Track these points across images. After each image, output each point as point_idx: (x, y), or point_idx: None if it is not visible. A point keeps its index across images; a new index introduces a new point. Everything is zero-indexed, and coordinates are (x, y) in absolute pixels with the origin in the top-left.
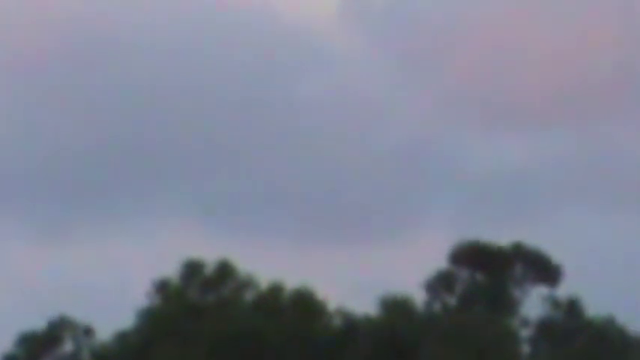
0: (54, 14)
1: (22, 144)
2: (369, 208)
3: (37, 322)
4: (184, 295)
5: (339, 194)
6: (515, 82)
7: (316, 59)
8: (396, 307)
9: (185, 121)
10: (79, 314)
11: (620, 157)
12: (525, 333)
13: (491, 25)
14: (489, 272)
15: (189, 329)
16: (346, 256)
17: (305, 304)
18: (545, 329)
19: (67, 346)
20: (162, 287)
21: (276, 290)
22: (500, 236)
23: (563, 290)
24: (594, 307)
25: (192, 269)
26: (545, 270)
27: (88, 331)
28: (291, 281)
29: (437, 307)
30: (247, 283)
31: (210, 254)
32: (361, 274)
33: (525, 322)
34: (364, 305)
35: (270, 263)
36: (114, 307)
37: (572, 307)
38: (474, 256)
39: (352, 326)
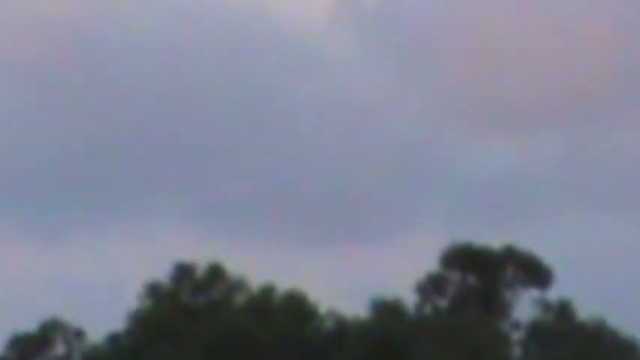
0: (45, 15)
1: (15, 145)
2: (360, 210)
3: (28, 324)
4: (176, 297)
5: (330, 196)
6: (507, 85)
7: (309, 61)
8: (387, 310)
9: (177, 124)
10: (71, 316)
11: (612, 160)
12: (516, 336)
13: (485, 26)
14: (481, 275)
15: (180, 331)
16: (337, 258)
17: (296, 306)
18: (537, 332)
19: (59, 349)
20: (154, 289)
21: (267, 292)
22: (492, 239)
23: (555, 293)
24: (586, 310)
25: (184, 271)
26: (536, 273)
27: (79, 333)
28: (283, 283)
29: (428, 309)
30: (238, 285)
31: (201, 256)
32: (352, 276)
33: (516, 325)
34: (355, 307)
35: (261, 265)
36: (105, 309)
37: (564, 310)
38: (466, 259)
39: (343, 328)
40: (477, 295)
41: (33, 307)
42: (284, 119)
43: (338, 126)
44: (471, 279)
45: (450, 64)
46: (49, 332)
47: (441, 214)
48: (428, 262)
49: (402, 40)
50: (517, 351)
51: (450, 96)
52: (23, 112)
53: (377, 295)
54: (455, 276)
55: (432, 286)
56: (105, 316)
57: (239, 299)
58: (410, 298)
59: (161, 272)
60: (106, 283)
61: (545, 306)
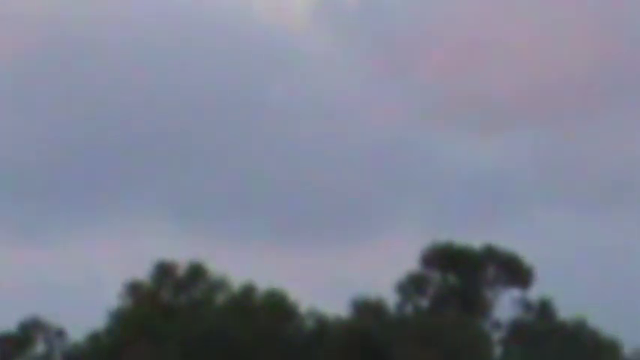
0: (33, 12)
1: None
2: (341, 209)
3: (9, 323)
4: (157, 296)
5: (311, 196)
6: (486, 84)
7: (291, 59)
8: (367, 309)
9: (159, 123)
10: (52, 315)
11: (593, 159)
12: (497, 335)
13: (466, 24)
14: (461, 274)
15: (161, 330)
16: (318, 257)
17: (277, 305)
18: (517, 331)
19: (40, 348)
20: (135, 288)
21: (248, 291)
22: (473, 238)
23: (535, 292)
24: (566, 310)
25: (165, 270)
26: (517, 272)
27: (60, 333)
28: (263, 282)
29: (409, 309)
30: (219, 285)
31: (182, 256)
32: (333, 276)
33: (497, 325)
34: (336, 307)
35: (242, 264)
36: (86, 308)
37: (544, 310)
38: (446, 258)
39: (324, 327)
40: (457, 294)
41: (14, 306)
42: (264, 119)
43: (318, 125)
44: (452, 279)
45: (428, 64)
46: (29, 331)
47: (421, 214)
48: (408, 262)
49: (381, 40)
50: (498, 350)
51: (429, 95)
52: (4, 109)
53: (358, 294)
54: (435, 276)
55: (412, 285)
56: (85, 316)
57: (220, 298)
58: (391, 298)
59: (142, 271)
60: (86, 283)
61: (526, 306)
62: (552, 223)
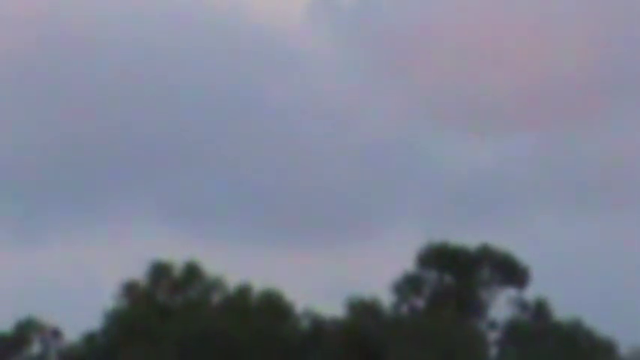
0: (26, 10)
1: None
2: (337, 210)
3: (4, 323)
4: (152, 296)
5: (307, 196)
6: (484, 85)
7: (286, 60)
8: (363, 309)
9: (155, 124)
10: (47, 316)
11: (588, 160)
12: (493, 335)
13: (461, 27)
14: (457, 274)
15: (157, 331)
16: (314, 257)
17: (273, 305)
18: (513, 331)
19: (35, 348)
20: (131, 289)
21: (244, 292)
22: (469, 238)
23: (531, 292)
24: (562, 310)
25: (160, 271)
26: (512, 272)
27: (55, 333)
28: (259, 283)
29: (404, 309)
30: (215, 285)
31: (178, 256)
32: (329, 276)
33: (493, 325)
34: (332, 307)
35: (237, 265)
36: (82, 308)
37: (540, 310)
38: (442, 258)
39: (320, 328)
40: (453, 294)
41: (9, 306)
42: (260, 120)
43: (314, 126)
44: (448, 279)
45: (426, 64)
46: (25, 332)
47: (417, 214)
48: (404, 262)
49: (378, 40)
50: (493, 351)
51: (426, 96)
52: (1, 111)
53: (353, 294)
54: (431, 276)
55: (408, 285)
56: (81, 316)
57: (216, 299)
58: (386, 298)
59: (137, 272)
60: (82, 283)
61: (522, 306)
62: (548, 223)
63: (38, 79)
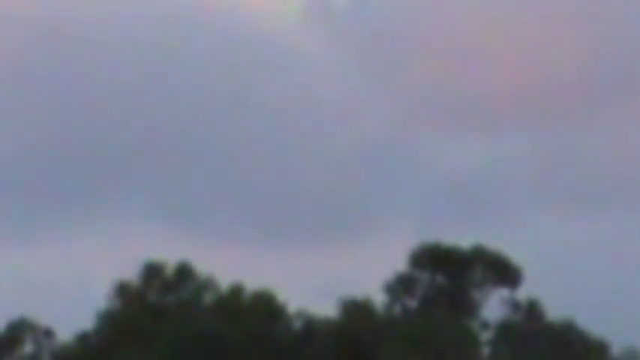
0: (16, 12)
1: None
2: (329, 210)
3: None
4: (145, 296)
5: (300, 196)
6: (477, 84)
7: (280, 61)
8: (356, 310)
9: (145, 124)
10: (40, 316)
11: (581, 160)
12: (485, 335)
13: (454, 27)
14: (449, 275)
15: (149, 331)
16: (307, 258)
17: (265, 305)
18: (506, 332)
19: (28, 348)
20: (123, 289)
21: (236, 292)
22: (461, 238)
23: (523, 293)
24: (554, 310)
25: (153, 271)
26: (505, 273)
27: (48, 333)
28: (252, 283)
29: (397, 309)
30: (207, 285)
31: (170, 256)
32: (321, 276)
33: (485, 325)
34: (324, 307)
35: (230, 265)
36: (74, 308)
37: (532, 310)
38: (435, 259)
39: (312, 328)
40: (445, 295)
41: (2, 306)
42: (253, 119)
43: (308, 125)
44: (440, 279)
45: (419, 64)
46: (18, 331)
47: (410, 215)
48: (397, 262)
49: (372, 40)
50: (486, 351)
51: (420, 95)
52: None
53: (346, 294)
54: (424, 276)
55: (401, 286)
56: (74, 316)
57: (208, 299)
58: (379, 298)
59: (130, 272)
60: (75, 283)
61: (514, 306)
62: (541, 224)
63: (32, 80)
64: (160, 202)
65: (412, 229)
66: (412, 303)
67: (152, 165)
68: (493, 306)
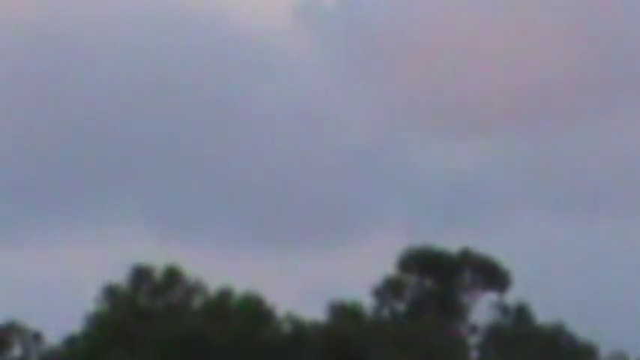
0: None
1: None
2: (317, 213)
3: None
4: (133, 300)
5: (288, 200)
6: (466, 87)
7: (268, 63)
8: (344, 313)
9: (134, 127)
10: (28, 319)
11: (569, 163)
12: (474, 339)
13: (443, 29)
14: (438, 278)
15: (138, 334)
16: (295, 261)
17: (254, 309)
18: (494, 335)
19: (16, 351)
20: (112, 292)
21: (224, 295)
22: (450, 242)
23: (512, 296)
24: (543, 314)
25: (141, 274)
26: (493, 276)
27: (36, 336)
28: (240, 286)
29: (385, 313)
30: (196, 289)
31: (158, 259)
32: (310, 280)
33: (474, 329)
34: (313, 311)
35: (218, 268)
36: (63, 311)
37: (521, 314)
38: (423, 263)
39: (301, 332)
40: (434, 298)
41: None
42: (242, 122)
43: (296, 128)
44: (429, 283)
45: (408, 66)
46: (6, 335)
47: (398, 218)
48: (385, 266)
49: (361, 42)
50: (474, 355)
51: (409, 98)
52: None
53: (334, 298)
54: (412, 280)
55: (389, 289)
56: (62, 319)
57: (196, 302)
58: (368, 302)
59: (118, 275)
60: (63, 286)
61: (503, 310)
62: (529, 227)
63: (19, 82)
64: (149, 205)
65: (401, 233)
66: (401, 307)
67: (141, 168)
68: (482, 310)
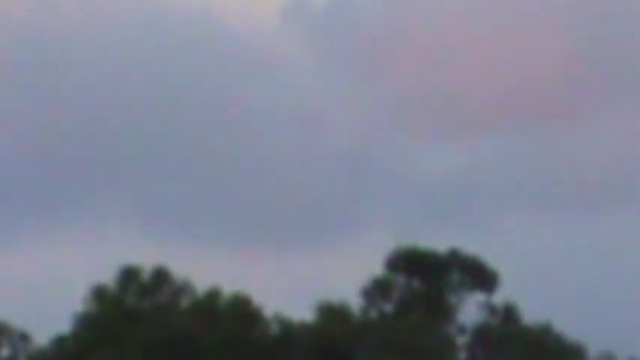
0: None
1: None
2: (305, 214)
3: None
4: (121, 300)
5: (276, 200)
6: (456, 88)
7: (258, 65)
8: (332, 314)
9: (124, 128)
10: (16, 319)
11: (557, 164)
12: (462, 340)
13: (434, 30)
14: (426, 279)
15: (126, 335)
16: (283, 261)
17: (241, 309)
18: (482, 336)
19: (4, 352)
20: (99, 293)
21: (212, 296)
22: (437, 242)
23: (500, 297)
24: (531, 314)
25: (129, 275)
26: (481, 277)
27: (24, 337)
28: (228, 287)
29: (373, 313)
30: (184, 289)
31: (146, 260)
32: (298, 280)
33: (462, 329)
34: (301, 311)
35: (206, 269)
36: (51, 312)
37: (509, 314)
38: (411, 263)
39: (289, 332)
40: (422, 299)
41: None
42: (231, 124)
43: (285, 129)
44: (416, 283)
45: (398, 67)
46: None
47: (386, 218)
48: (373, 266)
49: (351, 43)
50: (462, 355)
51: (398, 99)
52: None
53: (322, 298)
54: (400, 280)
55: (377, 290)
56: (50, 320)
57: (184, 303)
58: (355, 302)
59: (106, 275)
60: (51, 286)
61: (491, 310)
62: (517, 228)
63: (14, 82)
64: (137, 206)
65: (388, 233)
66: (388, 307)
67: (129, 169)
68: (469, 310)
